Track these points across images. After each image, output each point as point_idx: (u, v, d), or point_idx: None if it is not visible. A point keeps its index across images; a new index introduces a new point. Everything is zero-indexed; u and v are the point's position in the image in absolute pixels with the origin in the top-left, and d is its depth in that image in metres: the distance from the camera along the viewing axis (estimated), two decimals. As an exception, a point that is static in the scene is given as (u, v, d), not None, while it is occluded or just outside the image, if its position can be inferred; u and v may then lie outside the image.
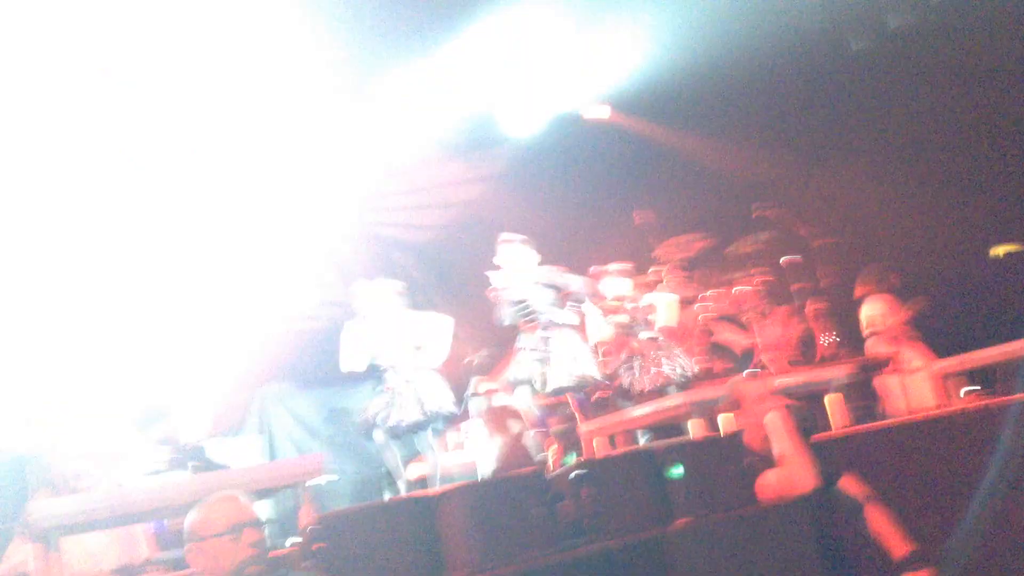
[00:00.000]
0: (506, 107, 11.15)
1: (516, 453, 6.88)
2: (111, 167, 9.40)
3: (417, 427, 6.24)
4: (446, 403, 6.27)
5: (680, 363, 7.02)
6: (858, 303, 8.55)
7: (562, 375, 6.32)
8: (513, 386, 6.52)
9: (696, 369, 7.18)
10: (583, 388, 6.71)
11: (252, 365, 9.61)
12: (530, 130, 11.31)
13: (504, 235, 6.84)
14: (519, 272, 6.65)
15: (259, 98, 9.63)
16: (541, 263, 6.79)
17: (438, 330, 6.53)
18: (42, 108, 8.52)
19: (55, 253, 9.11)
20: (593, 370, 6.46)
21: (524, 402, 6.59)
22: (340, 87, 9.99)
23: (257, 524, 2.85)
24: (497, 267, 6.76)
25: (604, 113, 11.19)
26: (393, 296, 6.60)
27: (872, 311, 8.40)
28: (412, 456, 7.00)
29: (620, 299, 7.46)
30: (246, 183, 10.25)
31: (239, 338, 9.72)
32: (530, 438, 6.81)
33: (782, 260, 8.37)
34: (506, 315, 6.60)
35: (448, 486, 3.78)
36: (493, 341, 8.34)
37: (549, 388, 6.37)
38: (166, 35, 8.36)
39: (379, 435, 6.21)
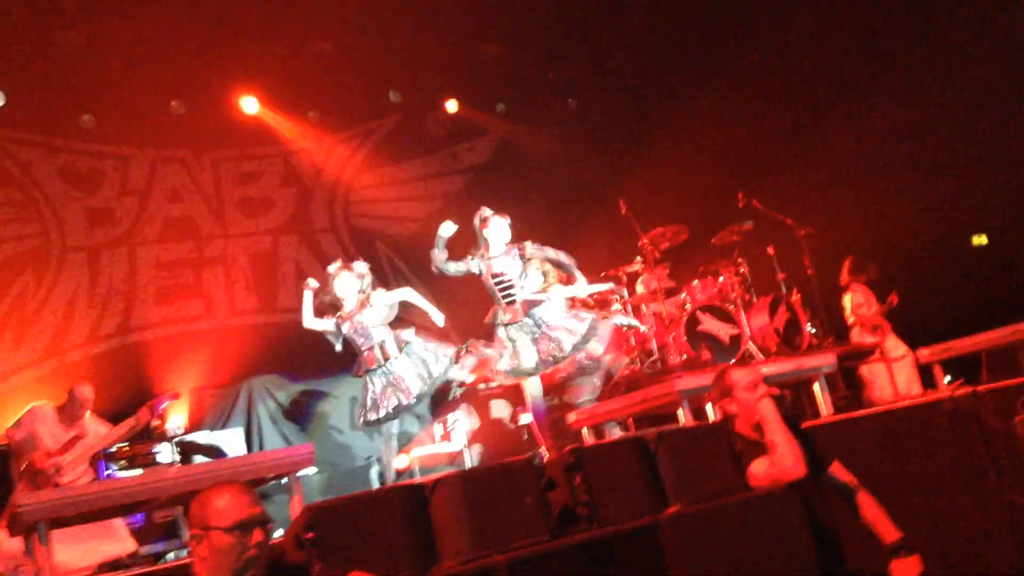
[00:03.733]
0: (486, 100, 11.16)
1: (502, 444, 6.87)
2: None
3: (419, 398, 6.32)
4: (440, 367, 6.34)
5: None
6: (841, 292, 8.62)
7: (529, 362, 6.38)
8: (500, 373, 6.52)
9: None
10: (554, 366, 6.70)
11: (237, 357, 9.57)
12: (511, 122, 11.32)
13: (482, 209, 6.83)
14: (497, 244, 6.64)
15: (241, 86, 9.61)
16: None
17: (412, 297, 6.59)
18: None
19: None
20: (566, 349, 6.48)
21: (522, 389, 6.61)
22: (328, 79, 9.98)
23: (266, 524, 2.74)
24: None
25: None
26: (361, 279, 6.59)
27: (852, 301, 8.47)
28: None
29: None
30: (230, 172, 10.22)
31: (223, 331, 9.69)
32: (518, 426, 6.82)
33: (767, 249, 8.40)
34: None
35: (440, 474, 3.77)
36: (474, 333, 8.35)
37: (524, 368, 6.42)
38: None
39: (387, 428, 6.27)
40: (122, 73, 9.13)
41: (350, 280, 6.55)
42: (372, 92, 10.59)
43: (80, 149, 9.47)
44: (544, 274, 6.96)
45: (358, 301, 6.49)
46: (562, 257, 6.75)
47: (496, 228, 6.63)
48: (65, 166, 9.46)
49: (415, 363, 6.31)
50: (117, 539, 6.19)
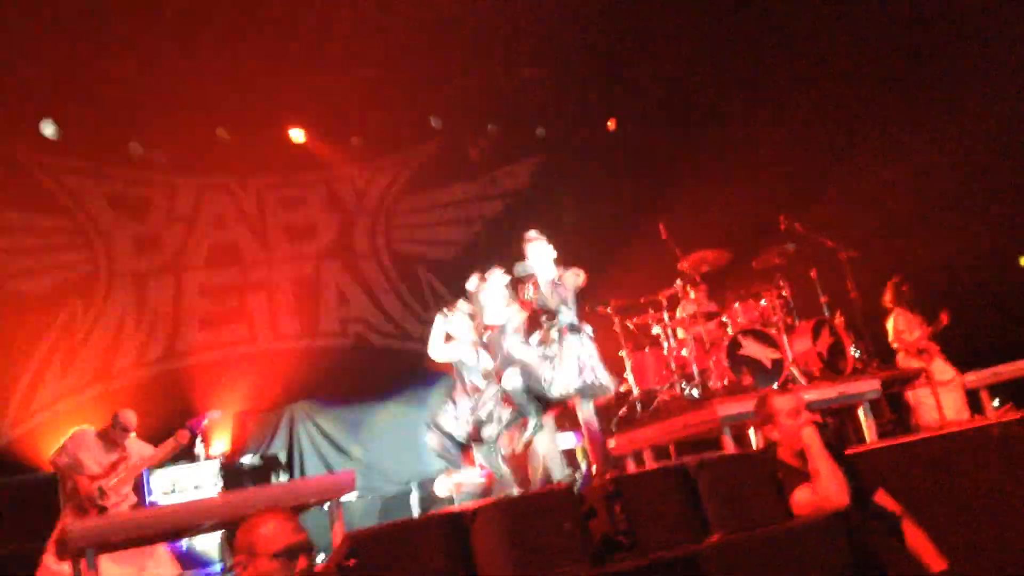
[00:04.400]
0: (526, 124, 11.21)
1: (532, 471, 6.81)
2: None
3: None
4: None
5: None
6: (884, 316, 8.51)
7: (570, 379, 6.28)
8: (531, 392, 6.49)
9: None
10: (591, 395, 6.63)
11: (280, 382, 9.66)
12: (550, 146, 11.35)
13: (530, 232, 6.81)
14: (545, 270, 6.60)
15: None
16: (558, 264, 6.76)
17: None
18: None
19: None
20: (605, 379, 6.41)
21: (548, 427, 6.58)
22: (371, 105, 10.11)
23: (310, 551, 2.77)
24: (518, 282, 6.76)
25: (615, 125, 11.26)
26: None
27: (895, 326, 8.35)
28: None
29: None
30: (274, 198, 10.37)
31: (266, 356, 9.79)
32: (556, 457, 6.78)
33: (810, 272, 8.32)
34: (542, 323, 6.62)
35: (480, 501, 3.78)
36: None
37: (555, 392, 6.33)
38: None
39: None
40: (170, 101, 9.31)
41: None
42: (414, 118, 10.69)
43: (128, 177, 9.67)
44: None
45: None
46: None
47: (538, 250, 6.63)
48: (113, 194, 9.65)
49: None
50: (161, 563, 6.26)
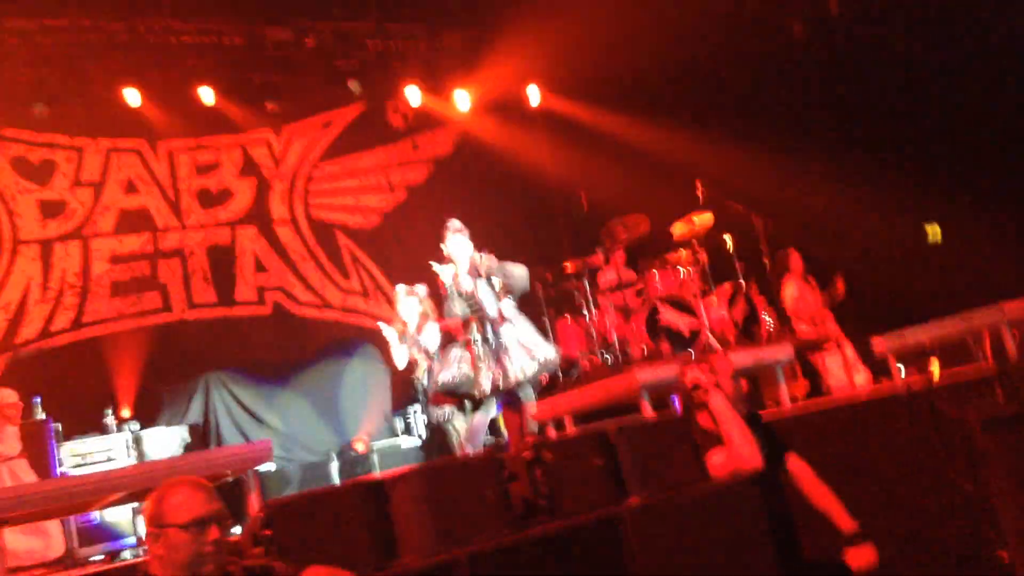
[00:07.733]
0: (447, 91, 11.11)
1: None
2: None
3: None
4: None
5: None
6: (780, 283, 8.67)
7: (526, 364, 6.43)
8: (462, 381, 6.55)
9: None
10: (547, 372, 6.81)
11: (195, 352, 9.47)
12: (472, 114, 11.28)
13: (451, 222, 6.83)
14: (463, 261, 6.65)
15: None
16: (479, 249, 6.82)
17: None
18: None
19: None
20: (552, 353, 6.59)
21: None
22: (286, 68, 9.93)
23: (223, 520, 2.70)
24: (440, 256, 6.77)
25: (539, 97, 11.21)
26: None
27: (787, 293, 8.50)
28: None
29: None
30: (187, 163, 10.11)
31: (181, 325, 9.57)
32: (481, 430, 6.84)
33: (724, 240, 8.43)
34: (456, 307, 6.65)
35: (399, 469, 3.76)
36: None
37: (512, 379, 6.44)
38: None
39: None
40: (75, 62, 9.01)
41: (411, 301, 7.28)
42: (332, 81, 10.50)
43: (32, 140, 9.32)
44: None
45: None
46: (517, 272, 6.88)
47: (457, 241, 6.72)
48: (17, 158, 9.29)
49: None
50: (48, 538, 6.10)
